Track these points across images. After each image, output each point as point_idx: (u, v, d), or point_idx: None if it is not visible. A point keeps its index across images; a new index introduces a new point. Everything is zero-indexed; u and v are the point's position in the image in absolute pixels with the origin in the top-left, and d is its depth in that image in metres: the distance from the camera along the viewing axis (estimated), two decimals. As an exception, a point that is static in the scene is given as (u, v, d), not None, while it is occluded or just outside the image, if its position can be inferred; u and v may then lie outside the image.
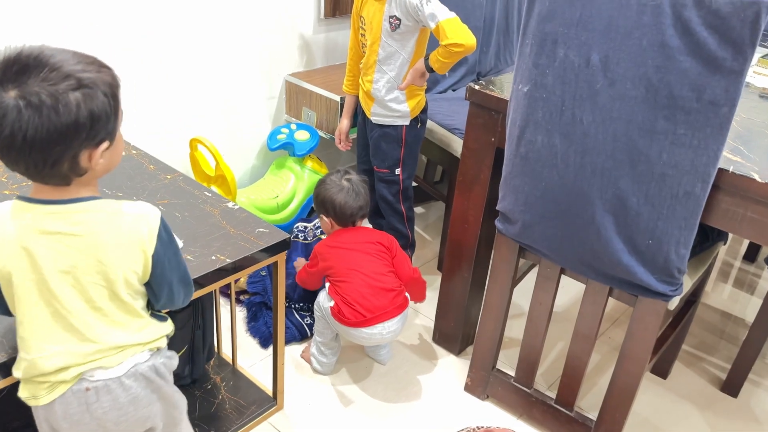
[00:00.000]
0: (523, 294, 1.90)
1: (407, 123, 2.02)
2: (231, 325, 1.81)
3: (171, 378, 1.16)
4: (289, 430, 1.71)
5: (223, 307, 2.04)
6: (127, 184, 1.55)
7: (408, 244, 2.22)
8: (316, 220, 2.25)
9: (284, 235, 1.43)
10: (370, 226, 2.34)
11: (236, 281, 2.05)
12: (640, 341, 1.51)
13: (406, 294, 1.82)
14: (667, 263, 1.36)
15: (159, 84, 2.17)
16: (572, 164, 1.36)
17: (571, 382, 1.68)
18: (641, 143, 1.26)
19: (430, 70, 1.89)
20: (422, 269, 2.43)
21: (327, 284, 1.80)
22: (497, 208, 1.60)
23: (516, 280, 1.76)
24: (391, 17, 1.87)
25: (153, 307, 1.13)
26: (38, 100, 0.86)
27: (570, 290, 2.31)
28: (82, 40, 1.92)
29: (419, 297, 1.92)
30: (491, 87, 1.64)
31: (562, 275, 1.61)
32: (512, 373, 1.82)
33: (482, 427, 1.57)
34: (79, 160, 0.93)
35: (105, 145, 0.94)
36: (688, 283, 1.54)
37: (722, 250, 2.77)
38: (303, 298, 2.08)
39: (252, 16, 2.33)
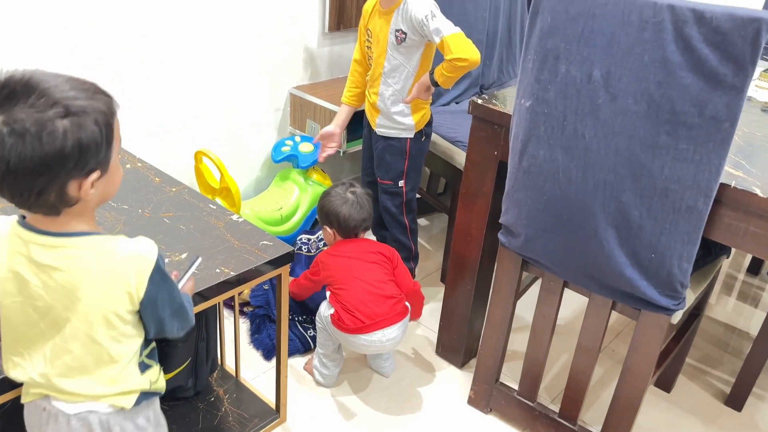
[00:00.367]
0: (527, 307, 1.91)
1: (412, 136, 2.04)
2: (234, 338, 1.81)
3: None
4: (291, 443, 1.72)
5: (227, 319, 2.05)
6: (133, 196, 1.56)
7: (411, 256, 2.23)
8: (320, 232, 2.26)
9: (288, 248, 1.44)
10: (374, 238, 2.35)
11: (240, 294, 2.06)
12: (643, 355, 1.51)
13: (407, 303, 1.83)
14: (669, 277, 1.36)
15: (165, 97, 2.19)
16: (574, 178, 1.37)
17: (574, 395, 1.68)
18: (643, 158, 1.27)
19: (435, 84, 1.90)
20: (425, 281, 2.43)
21: (328, 293, 1.81)
22: (500, 221, 1.61)
23: (519, 293, 1.76)
24: (397, 31, 1.89)
25: (143, 351, 1.07)
26: (22, 128, 0.82)
27: (573, 303, 2.30)
28: (82, 40, 1.93)
29: (416, 314, 1.92)
30: (494, 101, 1.65)
31: (565, 288, 1.61)
32: (515, 387, 1.82)
33: None
34: (66, 190, 0.88)
35: (95, 175, 0.90)
36: (690, 297, 1.54)
37: (726, 263, 2.77)
38: (306, 311, 2.08)
39: (257, 30, 2.35)
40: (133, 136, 2.14)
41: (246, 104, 2.45)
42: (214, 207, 1.56)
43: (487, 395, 1.86)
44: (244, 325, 2.12)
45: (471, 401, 1.90)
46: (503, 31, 2.61)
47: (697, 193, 1.26)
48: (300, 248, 2.24)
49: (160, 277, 0.99)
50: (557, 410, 1.74)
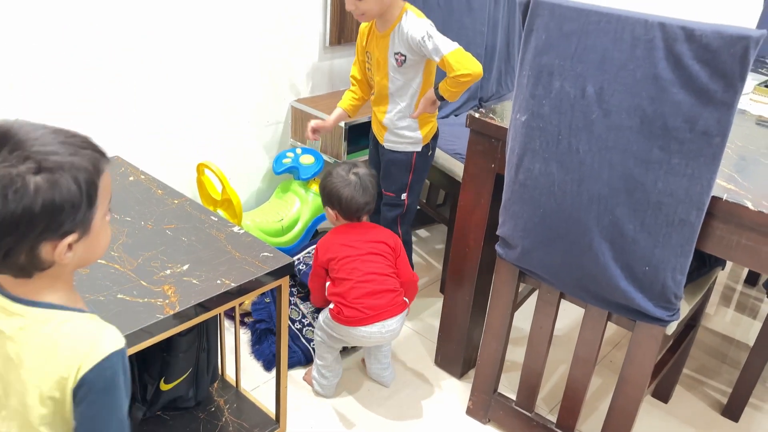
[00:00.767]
0: (525, 318, 1.92)
1: (419, 149, 2.04)
2: (235, 348, 1.83)
3: None
4: (291, 453, 1.73)
5: (227, 330, 2.07)
6: (136, 208, 1.59)
7: None
8: (309, 249, 2.27)
9: (288, 260, 1.46)
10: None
11: (240, 304, 2.08)
12: (639, 365, 1.52)
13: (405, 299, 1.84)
14: (664, 289, 1.38)
15: (168, 108, 2.22)
16: (569, 192, 1.39)
17: (571, 405, 1.69)
18: (637, 172, 1.30)
19: (441, 98, 1.90)
20: (424, 292, 2.45)
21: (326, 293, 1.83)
22: (497, 233, 1.63)
23: (517, 304, 1.78)
24: (396, 53, 1.91)
25: None
26: None
27: (571, 314, 2.32)
28: (82, 40, 1.95)
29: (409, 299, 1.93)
30: (491, 115, 1.68)
31: (563, 300, 1.63)
32: (514, 397, 1.83)
33: None
34: (38, 252, 0.80)
35: (72, 237, 0.81)
36: (685, 308, 1.55)
37: (724, 275, 2.78)
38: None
39: (260, 43, 2.39)
40: (133, 137, 2.16)
41: (248, 117, 2.48)
42: (216, 219, 1.59)
43: (485, 405, 1.87)
44: (245, 335, 2.14)
45: (469, 411, 1.92)
46: (502, 45, 2.64)
47: (690, 206, 1.28)
48: (299, 269, 2.23)
49: (103, 385, 0.84)
50: (555, 420, 1.75)
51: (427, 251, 2.78)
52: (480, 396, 1.87)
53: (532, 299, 1.78)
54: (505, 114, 1.69)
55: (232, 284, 1.35)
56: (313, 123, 2.17)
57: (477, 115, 1.67)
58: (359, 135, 2.46)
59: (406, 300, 1.85)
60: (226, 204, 2.21)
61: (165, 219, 1.56)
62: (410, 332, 2.23)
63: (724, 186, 1.35)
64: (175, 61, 2.18)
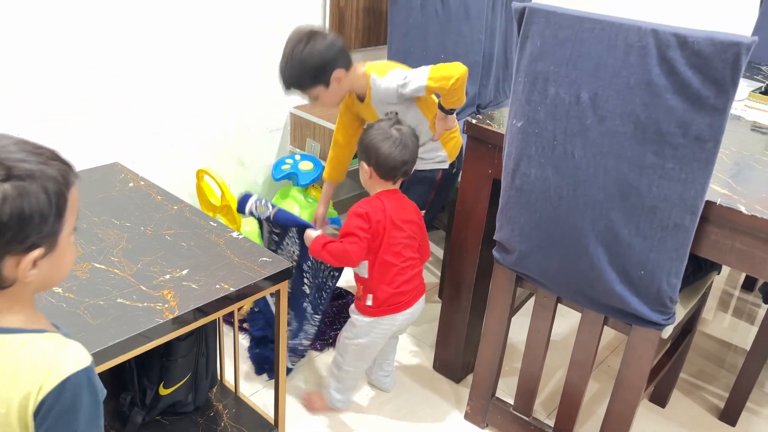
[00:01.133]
0: (523, 323, 1.93)
1: (446, 167, 2.00)
2: (234, 353, 1.84)
3: None
4: (290, 458, 1.73)
5: (226, 335, 2.08)
6: (135, 214, 1.60)
7: None
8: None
9: (286, 264, 1.47)
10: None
11: (239, 309, 2.08)
12: (635, 369, 1.53)
13: None
14: (659, 293, 1.39)
15: (168, 109, 2.24)
16: (565, 197, 1.41)
17: (569, 410, 1.70)
18: (631, 177, 1.31)
19: (450, 111, 1.86)
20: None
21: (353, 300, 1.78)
22: (494, 238, 1.64)
23: (514, 309, 1.79)
24: (386, 114, 1.78)
25: None
26: None
27: (568, 319, 2.33)
28: (82, 40, 1.96)
29: None
30: (488, 121, 1.69)
31: (561, 304, 1.64)
32: (511, 402, 1.84)
33: None
34: (1, 268, 0.76)
35: (38, 252, 0.77)
36: (681, 312, 1.56)
37: (721, 280, 2.79)
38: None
39: (259, 51, 2.41)
40: (133, 137, 2.18)
41: (247, 123, 2.50)
42: (215, 224, 1.60)
43: (483, 410, 1.88)
44: (244, 340, 2.14)
45: (468, 416, 1.92)
46: (499, 53, 2.66)
47: (684, 210, 1.29)
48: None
49: (61, 408, 0.79)
50: (552, 425, 1.76)
51: (426, 257, 2.79)
52: (478, 401, 1.88)
53: (530, 304, 1.79)
54: (502, 120, 1.71)
55: (231, 289, 1.37)
56: (318, 217, 2.16)
57: (474, 121, 1.69)
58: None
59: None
60: (225, 210, 2.23)
61: (164, 224, 1.57)
62: (408, 337, 2.24)
63: (718, 191, 1.36)
64: (175, 63, 2.19)
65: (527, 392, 1.77)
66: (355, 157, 2.35)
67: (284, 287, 1.50)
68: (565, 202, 1.41)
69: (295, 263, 1.85)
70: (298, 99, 2.63)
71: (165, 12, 2.11)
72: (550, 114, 1.37)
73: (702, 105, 1.20)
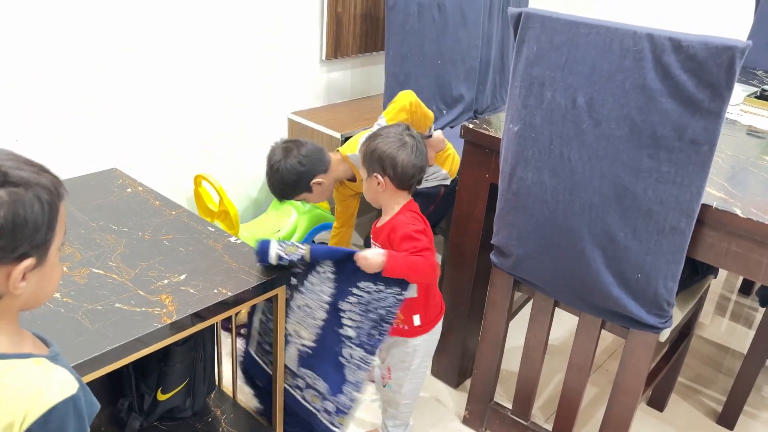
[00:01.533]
0: (521, 327, 1.93)
1: (447, 183, 2.04)
2: (232, 359, 1.84)
3: None
4: (288, 463, 1.73)
5: (224, 341, 2.07)
6: (133, 219, 1.60)
7: None
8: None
9: (284, 269, 1.47)
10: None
11: (237, 314, 2.08)
12: (632, 373, 1.54)
13: None
14: (656, 296, 1.40)
15: (168, 110, 2.24)
16: (562, 200, 1.41)
17: (567, 414, 1.70)
18: (627, 180, 1.32)
19: (428, 135, 1.88)
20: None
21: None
22: (492, 242, 1.65)
23: (512, 313, 1.79)
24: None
25: None
26: None
27: (566, 324, 2.33)
28: (82, 40, 1.96)
29: None
30: (485, 126, 1.70)
31: (558, 308, 1.65)
32: (510, 406, 1.84)
33: None
34: None
35: (29, 262, 0.76)
36: (678, 315, 1.57)
37: (719, 284, 2.80)
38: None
39: (258, 57, 2.41)
40: (133, 137, 2.18)
41: (246, 129, 2.50)
42: (213, 229, 1.60)
43: (481, 415, 1.88)
44: (242, 346, 2.14)
45: (466, 421, 1.92)
46: (496, 58, 2.68)
47: (680, 214, 1.30)
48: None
49: (53, 430, 0.77)
50: (551, 429, 1.76)
51: (424, 262, 2.79)
52: (476, 405, 1.88)
53: (527, 308, 1.80)
54: (499, 125, 1.71)
55: (229, 293, 1.37)
56: None
57: (471, 126, 1.69)
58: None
59: None
60: (223, 215, 2.23)
61: (162, 229, 1.57)
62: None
63: (714, 194, 1.37)
64: (175, 63, 2.19)
65: (525, 396, 1.77)
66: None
67: (282, 292, 1.50)
68: (562, 205, 1.42)
69: (328, 305, 1.56)
70: (296, 104, 2.64)
71: (165, 12, 2.12)
72: (547, 118, 1.38)
73: (697, 109, 1.21)
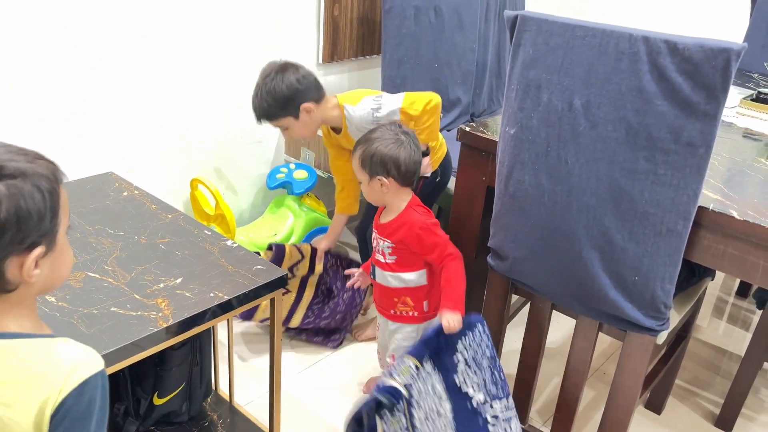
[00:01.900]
0: (518, 330, 1.93)
1: (427, 175, 1.97)
2: (228, 362, 1.83)
3: None
4: (285, 467, 1.72)
5: (221, 345, 2.07)
6: (129, 223, 1.60)
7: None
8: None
9: (281, 272, 1.47)
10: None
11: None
12: (630, 375, 1.53)
13: None
14: (653, 299, 1.39)
15: (167, 110, 2.24)
16: (559, 202, 1.41)
17: (564, 417, 1.70)
18: (623, 182, 1.32)
19: (426, 152, 1.85)
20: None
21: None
22: (489, 244, 1.65)
23: (509, 316, 1.79)
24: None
25: None
26: None
27: (564, 326, 2.33)
28: (82, 40, 1.96)
29: None
30: (482, 129, 1.70)
31: (555, 311, 1.64)
32: (507, 409, 1.84)
33: None
34: (5, 270, 0.76)
35: (39, 250, 0.77)
36: (675, 318, 1.57)
37: (716, 287, 2.80)
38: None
39: (253, 60, 2.41)
40: (133, 137, 2.18)
41: (242, 132, 2.50)
42: (209, 233, 1.60)
43: (479, 418, 1.87)
44: (238, 351, 2.14)
45: (463, 424, 1.92)
46: (492, 62, 2.68)
47: (677, 216, 1.30)
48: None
49: (80, 412, 0.80)
50: (548, 432, 1.76)
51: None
52: (474, 409, 1.88)
53: (525, 312, 1.79)
54: (496, 128, 1.71)
55: (225, 297, 1.36)
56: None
57: (467, 128, 1.69)
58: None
59: None
60: (219, 219, 2.22)
61: (158, 233, 1.57)
62: (404, 346, 2.24)
63: (710, 196, 1.37)
64: (174, 63, 2.19)
65: (523, 400, 1.77)
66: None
67: (279, 295, 1.50)
68: (559, 207, 1.42)
69: (446, 393, 1.52)
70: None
71: (165, 12, 2.12)
72: (543, 121, 1.38)
73: (693, 111, 1.21)
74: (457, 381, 1.52)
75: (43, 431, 0.80)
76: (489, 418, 1.53)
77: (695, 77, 1.19)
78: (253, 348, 2.18)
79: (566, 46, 1.31)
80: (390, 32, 2.36)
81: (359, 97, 1.84)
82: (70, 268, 0.86)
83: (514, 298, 1.75)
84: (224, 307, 1.36)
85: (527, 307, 1.74)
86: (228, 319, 1.71)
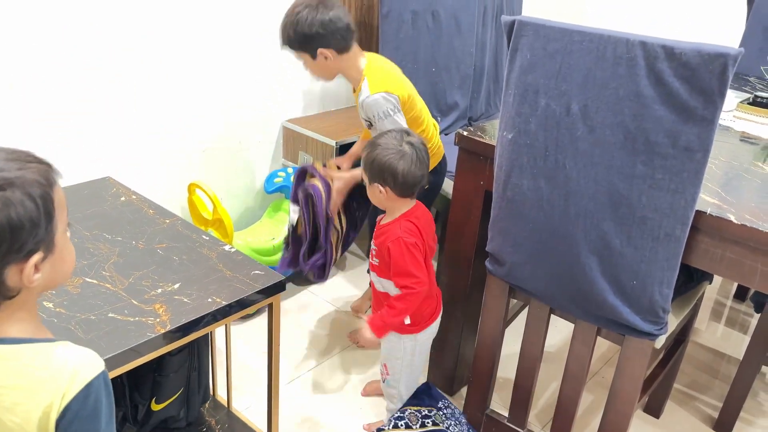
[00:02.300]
0: (517, 334, 1.93)
1: None
2: (226, 368, 1.83)
3: None
4: (283, 473, 1.72)
5: (218, 350, 2.06)
6: (127, 228, 1.59)
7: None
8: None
9: (279, 277, 1.46)
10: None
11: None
12: (628, 380, 1.53)
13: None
14: (651, 303, 1.39)
15: (165, 121, 2.24)
16: (557, 207, 1.41)
17: (563, 422, 1.69)
18: (621, 187, 1.32)
19: None
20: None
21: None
22: (487, 249, 1.65)
23: (508, 321, 1.79)
24: (363, 118, 1.85)
25: None
26: None
27: (562, 331, 2.33)
28: (82, 40, 1.96)
29: None
30: (479, 133, 1.70)
31: (554, 316, 1.64)
32: (506, 414, 1.83)
33: None
34: (5, 278, 0.76)
35: (38, 256, 0.77)
36: (673, 322, 1.57)
37: (713, 290, 2.80)
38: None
39: (253, 61, 2.42)
40: (132, 137, 2.17)
41: (240, 137, 2.50)
42: (207, 238, 1.59)
43: (478, 422, 1.87)
44: (236, 353, 2.13)
45: (462, 429, 1.92)
46: (490, 66, 2.69)
47: (675, 220, 1.30)
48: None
49: (87, 412, 0.80)
50: (547, 437, 1.75)
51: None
52: (472, 413, 1.87)
53: (523, 316, 1.79)
54: (494, 132, 1.71)
55: (223, 302, 1.36)
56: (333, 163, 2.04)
57: (465, 133, 1.69)
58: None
59: None
60: (217, 224, 2.22)
61: (156, 238, 1.57)
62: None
63: (708, 200, 1.37)
64: (174, 63, 2.19)
65: (521, 404, 1.77)
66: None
67: (277, 300, 1.50)
68: (557, 212, 1.42)
69: None
70: (290, 112, 2.63)
71: (165, 12, 2.12)
72: (541, 125, 1.38)
73: (690, 116, 1.22)
74: None
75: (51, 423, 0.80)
76: None
77: (692, 82, 1.19)
78: (251, 353, 2.17)
79: (564, 51, 1.31)
80: (387, 36, 2.37)
81: (382, 87, 1.77)
82: (73, 262, 0.86)
83: (513, 302, 1.75)
84: (222, 313, 1.35)
85: (525, 311, 1.74)
86: (226, 325, 1.71)
